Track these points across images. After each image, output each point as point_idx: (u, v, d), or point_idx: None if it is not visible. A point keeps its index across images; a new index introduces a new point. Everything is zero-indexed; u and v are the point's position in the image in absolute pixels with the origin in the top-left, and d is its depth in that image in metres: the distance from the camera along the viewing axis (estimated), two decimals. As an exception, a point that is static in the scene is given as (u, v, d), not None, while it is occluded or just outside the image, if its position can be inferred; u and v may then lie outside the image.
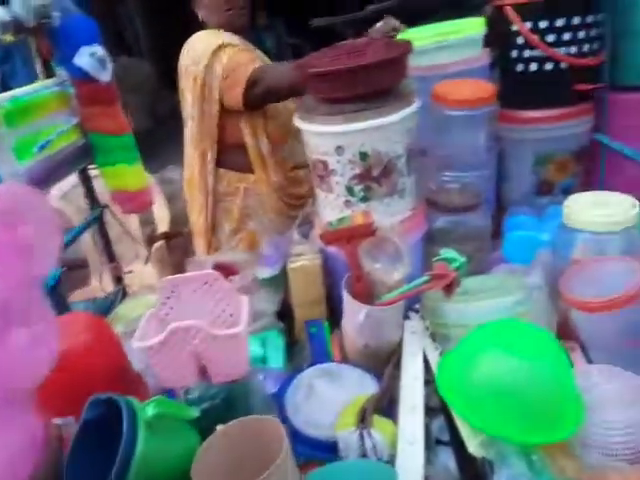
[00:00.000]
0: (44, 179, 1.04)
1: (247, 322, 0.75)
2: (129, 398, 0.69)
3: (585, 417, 0.80)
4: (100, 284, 1.44)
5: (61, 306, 1.24)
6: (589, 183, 1.41)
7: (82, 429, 0.70)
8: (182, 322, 0.72)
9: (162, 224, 1.82)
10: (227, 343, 0.74)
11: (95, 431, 0.70)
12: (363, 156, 1.01)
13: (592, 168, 1.39)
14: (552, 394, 0.77)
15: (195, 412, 0.71)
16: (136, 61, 3.66)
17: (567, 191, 1.33)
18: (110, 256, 1.39)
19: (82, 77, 1.11)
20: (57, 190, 1.87)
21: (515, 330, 0.85)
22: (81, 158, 1.19)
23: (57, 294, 1.27)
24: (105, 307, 1.36)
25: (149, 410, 0.66)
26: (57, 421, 0.79)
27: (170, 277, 0.78)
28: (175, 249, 1.81)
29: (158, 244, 1.47)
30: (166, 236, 1.58)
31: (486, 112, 1.09)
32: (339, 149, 1.01)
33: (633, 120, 1.31)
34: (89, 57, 1.07)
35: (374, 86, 0.94)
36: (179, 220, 2.97)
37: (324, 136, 1.01)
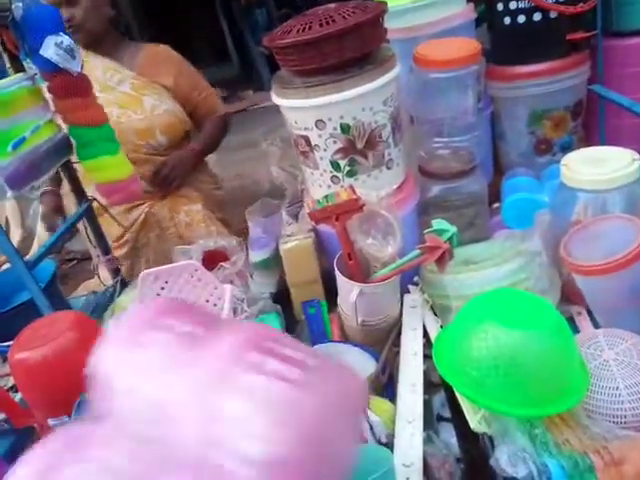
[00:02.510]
0: (23, 178, 1.01)
1: (230, 310, 0.73)
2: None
3: (590, 385, 0.78)
4: (98, 277, 1.43)
5: (58, 302, 1.23)
6: (589, 139, 1.35)
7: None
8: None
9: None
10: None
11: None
12: (345, 128, 0.97)
13: (591, 123, 1.33)
14: (553, 364, 0.75)
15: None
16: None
17: (566, 148, 1.28)
18: (105, 249, 1.38)
19: (52, 69, 1.08)
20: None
21: (511, 300, 0.81)
22: (61, 153, 1.16)
23: (53, 290, 1.26)
24: (105, 300, 1.35)
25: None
26: (51, 422, 0.79)
27: (150, 270, 0.76)
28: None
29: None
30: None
31: (472, 71, 1.04)
32: (319, 123, 0.97)
33: (630, 67, 1.24)
34: (55, 47, 1.03)
35: (348, 54, 0.89)
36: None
37: (302, 110, 0.97)
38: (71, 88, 1.13)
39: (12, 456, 0.88)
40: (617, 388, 0.77)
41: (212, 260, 1.12)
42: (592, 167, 0.95)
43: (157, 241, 1.62)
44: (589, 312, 0.99)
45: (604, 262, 0.84)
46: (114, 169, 1.22)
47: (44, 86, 1.13)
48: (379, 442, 0.76)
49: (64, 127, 1.20)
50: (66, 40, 1.07)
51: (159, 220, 1.60)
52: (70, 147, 1.19)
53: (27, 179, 1.04)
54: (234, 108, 3.77)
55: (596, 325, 0.95)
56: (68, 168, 1.28)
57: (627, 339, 0.83)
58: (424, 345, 0.95)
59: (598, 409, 0.77)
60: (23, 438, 0.90)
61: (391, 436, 0.76)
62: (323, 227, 1.08)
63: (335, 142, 0.99)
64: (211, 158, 3.39)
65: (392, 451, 0.72)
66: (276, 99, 1.01)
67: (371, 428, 0.76)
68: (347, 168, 1.02)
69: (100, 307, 1.29)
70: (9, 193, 1.01)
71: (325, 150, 1.01)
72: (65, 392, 0.74)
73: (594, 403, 0.78)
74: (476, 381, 0.75)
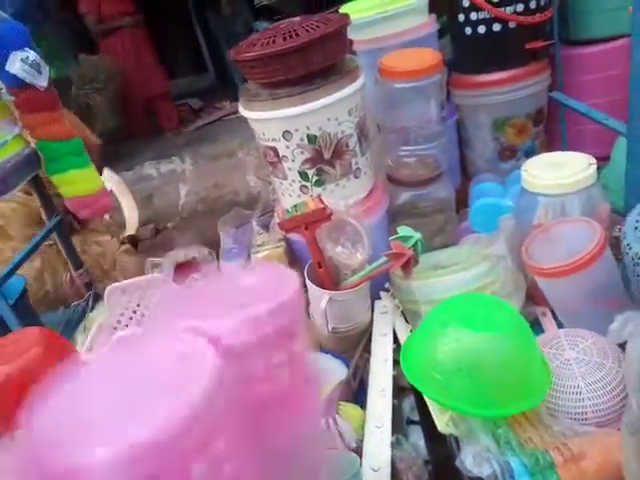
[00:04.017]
0: (-10, 193, 1.01)
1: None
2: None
3: (552, 384, 0.80)
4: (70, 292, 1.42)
5: (28, 318, 1.22)
6: (551, 144, 1.39)
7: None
8: (127, 331, 0.70)
9: (130, 226, 1.80)
10: (179, 346, 0.72)
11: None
12: (312, 139, 0.99)
13: (553, 128, 1.37)
14: (515, 366, 0.76)
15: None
16: (100, 58, 3.55)
17: (530, 154, 1.32)
18: (76, 264, 1.37)
19: (18, 84, 1.07)
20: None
21: (474, 304, 0.83)
22: (29, 167, 1.15)
23: (23, 306, 1.24)
24: (77, 315, 1.34)
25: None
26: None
27: (116, 284, 0.76)
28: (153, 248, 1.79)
29: (123, 247, 1.44)
30: (131, 239, 1.56)
31: (434, 81, 1.06)
32: (286, 134, 0.98)
33: (588, 74, 1.29)
34: (21, 63, 1.03)
35: (312, 66, 0.91)
36: (161, 217, 2.94)
37: (269, 122, 0.98)
38: (38, 103, 1.13)
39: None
40: (578, 386, 0.80)
41: (184, 271, 1.12)
42: (551, 172, 0.98)
43: None
44: (553, 313, 1.01)
45: (563, 264, 0.86)
46: (83, 183, 1.21)
47: (11, 101, 1.13)
48: (349, 448, 0.77)
49: (32, 142, 1.19)
50: (32, 55, 1.07)
51: None
52: (38, 161, 1.19)
53: (-6, 195, 1.03)
54: (211, 118, 3.77)
55: (560, 325, 0.97)
56: (37, 183, 1.27)
57: (587, 338, 0.86)
58: (394, 350, 0.96)
59: (560, 407, 0.79)
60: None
61: (361, 441, 0.78)
62: (294, 236, 1.09)
63: (302, 152, 1.01)
64: (187, 169, 3.38)
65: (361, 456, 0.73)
66: (243, 111, 1.03)
67: (340, 434, 0.77)
68: (315, 178, 1.04)
69: (72, 322, 1.28)
70: (-25, 210, 1.00)
71: (293, 161, 1.03)
72: (31, 409, 0.73)
73: (556, 402, 0.80)
74: (442, 384, 0.76)
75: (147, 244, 1.95)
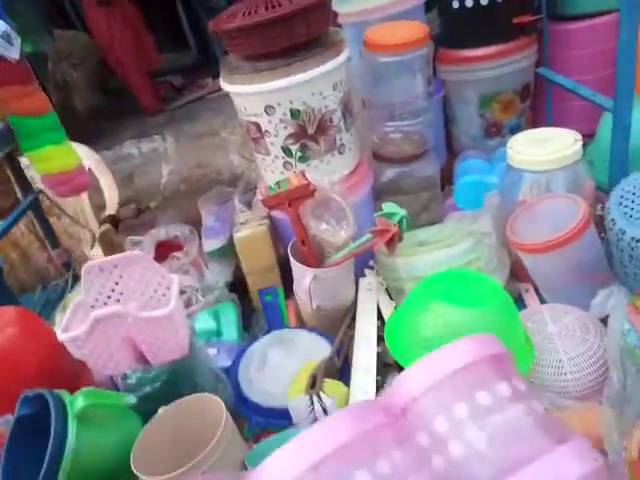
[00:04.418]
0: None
1: (177, 301, 0.71)
2: (59, 392, 0.66)
3: (535, 359, 0.80)
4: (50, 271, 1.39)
5: (5, 298, 1.19)
6: (537, 121, 1.38)
7: (16, 427, 0.68)
8: (104, 309, 0.68)
9: (110, 206, 1.75)
10: (160, 324, 0.71)
11: (32, 427, 0.67)
12: (295, 114, 0.96)
13: (539, 105, 1.36)
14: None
15: (130, 399, 0.69)
16: (76, 34, 3.45)
17: (515, 130, 1.30)
18: (53, 243, 1.33)
19: (-12, 56, 1.03)
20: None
21: (459, 280, 0.83)
22: (2, 143, 1.12)
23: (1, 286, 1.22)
24: (56, 294, 1.32)
25: (78, 402, 0.64)
26: (-6, 421, 0.76)
27: (94, 261, 0.74)
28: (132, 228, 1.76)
29: (103, 227, 1.41)
30: (112, 219, 1.52)
31: (420, 55, 1.04)
32: (269, 108, 0.96)
33: (574, 50, 1.27)
34: (-10, 33, 0.98)
35: (295, 38, 0.88)
36: (142, 196, 2.88)
37: (251, 96, 0.96)
38: (9, 76, 1.08)
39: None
40: (560, 360, 0.80)
41: (165, 250, 1.10)
42: (536, 148, 0.97)
43: None
44: (537, 290, 1.02)
45: (546, 240, 0.86)
46: (59, 159, 1.17)
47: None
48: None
49: (4, 117, 1.14)
50: (2, 26, 1.02)
51: None
52: (12, 138, 1.14)
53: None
54: (193, 96, 3.69)
55: (543, 302, 0.98)
56: (11, 160, 1.23)
57: (570, 313, 0.87)
58: (378, 327, 0.96)
59: (543, 381, 0.80)
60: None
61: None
62: (277, 214, 1.07)
63: (286, 127, 0.98)
64: (169, 147, 3.32)
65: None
66: (224, 85, 1.00)
67: (324, 410, 0.76)
68: (299, 154, 1.02)
69: (51, 302, 1.25)
70: (-55, 186, 0.96)
71: (276, 136, 1.00)
72: (7, 389, 0.71)
73: (539, 376, 0.80)
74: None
75: (128, 224, 1.91)
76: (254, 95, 0.95)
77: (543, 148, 0.96)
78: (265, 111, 0.96)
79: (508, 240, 0.94)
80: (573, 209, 0.89)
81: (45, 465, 0.60)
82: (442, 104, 1.36)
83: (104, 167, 1.96)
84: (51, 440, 0.61)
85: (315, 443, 0.39)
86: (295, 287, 1.04)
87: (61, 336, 0.69)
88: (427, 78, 1.11)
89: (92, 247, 1.34)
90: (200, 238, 1.14)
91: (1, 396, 0.74)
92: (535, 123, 1.38)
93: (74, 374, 0.81)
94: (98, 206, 1.88)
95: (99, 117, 3.69)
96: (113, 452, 0.66)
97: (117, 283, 0.76)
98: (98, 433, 0.66)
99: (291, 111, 0.96)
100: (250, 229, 1.09)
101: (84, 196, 1.77)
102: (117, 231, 1.60)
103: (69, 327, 0.71)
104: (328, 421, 0.42)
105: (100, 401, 0.65)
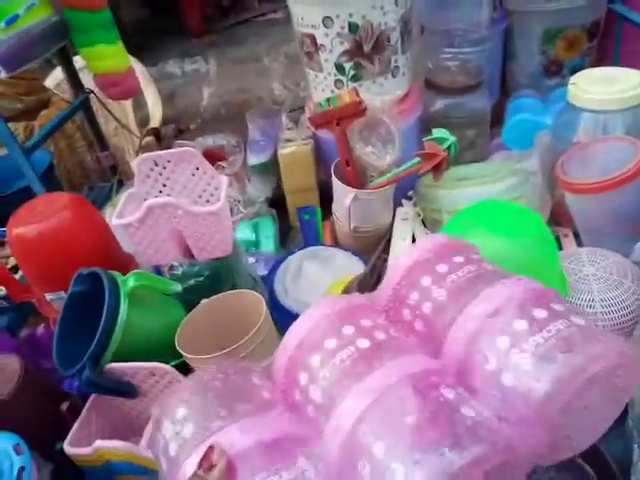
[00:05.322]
0: (17, 58, 0.98)
1: (225, 200, 0.74)
2: (112, 272, 0.70)
3: (568, 295, 0.81)
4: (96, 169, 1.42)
5: (56, 189, 1.23)
6: (602, 63, 1.31)
7: (69, 301, 0.72)
8: (158, 199, 0.71)
9: (154, 119, 1.76)
10: (207, 221, 0.74)
11: (83, 304, 0.72)
12: (353, 28, 0.94)
13: (605, 45, 1.28)
14: (536, 272, 0.77)
15: (177, 286, 0.73)
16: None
17: (577, 71, 1.24)
18: (102, 145, 1.36)
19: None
20: (51, 80, 1.80)
21: (500, 210, 0.83)
22: (56, 37, 1.12)
23: (50, 179, 1.26)
24: (102, 196, 1.36)
25: (130, 282, 0.68)
26: (48, 297, 0.82)
27: (147, 154, 0.76)
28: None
29: (147, 139, 1.43)
30: (155, 132, 1.53)
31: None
32: (327, 20, 0.93)
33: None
34: None
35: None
36: (183, 117, 2.88)
37: (310, 5, 0.93)
38: (67, -34, 1.07)
39: (12, 330, 0.93)
40: (592, 300, 0.81)
41: (211, 159, 1.12)
42: (599, 86, 0.93)
43: None
44: (575, 235, 1.01)
45: (595, 181, 0.85)
46: (112, 59, 1.18)
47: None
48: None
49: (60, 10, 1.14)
50: None
51: None
52: (66, 32, 1.14)
53: (21, 60, 1.00)
54: (237, 19, 3.59)
55: (579, 245, 0.97)
56: (65, 57, 1.24)
57: (609, 257, 0.86)
58: (412, 255, 0.97)
59: (573, 319, 0.81)
60: (22, 313, 0.94)
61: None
62: (323, 133, 1.07)
63: (342, 43, 0.96)
64: (212, 70, 3.28)
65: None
66: (284, -9, 0.97)
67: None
68: (352, 72, 1.00)
69: (97, 203, 1.29)
70: (3, 73, 0.98)
71: (331, 51, 0.98)
72: (61, 268, 0.75)
73: (569, 313, 0.81)
74: (460, 284, 0.77)
75: (168, 143, 1.92)
76: (313, 4, 0.93)
77: (607, 87, 0.92)
78: (323, 23, 0.94)
79: (557, 179, 0.92)
80: (629, 153, 0.87)
81: (98, 335, 0.64)
82: (503, 38, 1.30)
83: (149, 78, 1.95)
84: (104, 313, 0.65)
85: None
86: (334, 207, 1.05)
87: (115, 221, 0.73)
88: (492, 4, 1.05)
89: (135, 157, 1.36)
90: (245, 151, 1.14)
91: (56, 274, 0.78)
92: (599, 65, 1.30)
93: (123, 264, 0.85)
94: (139, 122, 1.90)
95: (144, 33, 3.64)
96: (158, 333, 0.71)
97: (168, 178, 0.78)
98: (145, 313, 0.70)
99: (349, 24, 0.93)
100: (295, 147, 1.09)
101: (129, 108, 1.78)
102: (160, 145, 1.62)
103: (122, 215, 0.75)
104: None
105: (150, 283, 0.69)
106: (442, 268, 0.56)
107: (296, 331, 0.51)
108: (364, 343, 0.48)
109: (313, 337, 0.49)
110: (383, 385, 0.43)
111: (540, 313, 0.49)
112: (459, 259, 0.57)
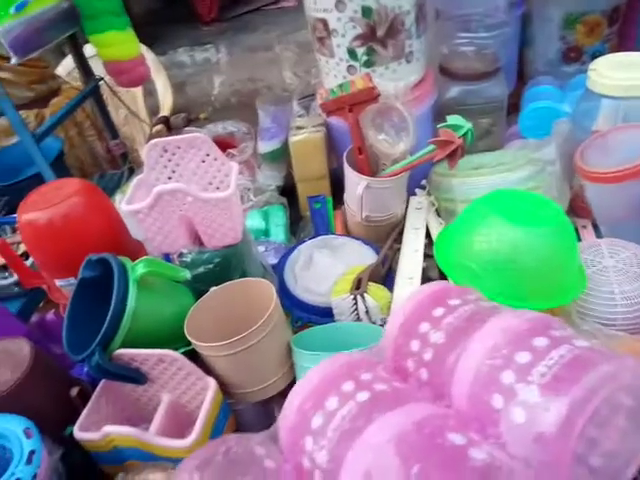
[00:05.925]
0: (27, 43, 0.97)
1: (235, 186, 0.72)
2: (122, 258, 0.70)
3: (585, 290, 0.79)
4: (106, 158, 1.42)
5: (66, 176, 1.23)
6: (622, 48, 1.27)
7: (79, 287, 0.72)
8: (167, 185, 0.70)
9: (164, 107, 1.76)
10: (217, 207, 0.72)
11: (92, 290, 0.72)
12: (366, 12, 0.91)
13: (626, 31, 1.25)
14: (552, 262, 0.75)
15: (186, 273, 0.72)
16: None
17: (597, 58, 1.21)
18: (112, 133, 1.36)
19: None
20: (62, 68, 1.81)
21: (518, 199, 0.81)
22: (66, 23, 1.11)
23: (60, 166, 1.26)
24: (113, 183, 1.36)
25: (139, 268, 0.67)
26: (58, 282, 0.81)
27: (156, 140, 0.75)
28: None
29: (157, 127, 1.43)
30: (165, 120, 1.53)
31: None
32: (340, 4, 0.91)
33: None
34: None
35: None
36: (193, 106, 2.88)
37: (323, -11, 0.91)
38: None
39: (23, 315, 0.93)
40: (612, 292, 0.78)
41: (221, 146, 1.10)
42: (621, 72, 0.90)
43: None
44: (594, 226, 0.99)
45: (614, 170, 0.82)
46: (121, 46, 1.17)
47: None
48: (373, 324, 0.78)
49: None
50: None
51: None
52: (77, 19, 1.14)
53: (31, 46, 1.00)
54: (248, 7, 3.57)
55: (598, 237, 0.95)
56: (75, 43, 1.23)
57: (629, 249, 0.84)
58: (425, 245, 0.96)
59: (591, 312, 0.79)
60: (32, 299, 0.94)
61: (385, 321, 0.79)
62: (334, 120, 1.05)
63: (355, 27, 0.94)
64: (222, 59, 3.27)
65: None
66: (296, -26, 0.95)
67: (367, 311, 0.78)
68: (365, 57, 0.98)
69: (107, 191, 1.29)
70: (13, 59, 0.98)
71: (343, 36, 0.96)
72: (71, 254, 0.75)
73: (587, 306, 0.79)
74: (474, 273, 0.76)
75: (178, 132, 1.91)
76: (326, -12, 0.91)
77: (628, 73, 0.89)
78: (335, 7, 0.92)
79: (576, 168, 0.90)
80: (652, 142, 0.84)
81: (107, 321, 0.64)
82: (521, 23, 1.27)
83: (159, 66, 1.94)
84: (113, 299, 0.64)
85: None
86: (346, 196, 1.04)
87: (125, 207, 0.72)
88: (512, -13, 1.02)
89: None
90: (255, 139, 1.13)
91: (65, 261, 0.78)
92: (620, 52, 1.27)
93: (132, 251, 0.84)
94: (150, 111, 1.89)
95: (154, 22, 3.63)
96: (167, 320, 0.70)
97: (178, 165, 0.77)
98: (155, 300, 0.70)
99: (363, 8, 0.91)
100: (306, 134, 1.07)
101: (140, 97, 1.78)
102: (170, 134, 1.61)
103: (132, 201, 0.74)
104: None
105: (159, 270, 0.68)
106: (438, 312, 0.56)
107: (298, 393, 0.49)
108: (364, 396, 0.46)
109: (314, 399, 0.48)
110: (384, 439, 0.41)
111: (540, 342, 0.47)
112: (455, 302, 0.57)
